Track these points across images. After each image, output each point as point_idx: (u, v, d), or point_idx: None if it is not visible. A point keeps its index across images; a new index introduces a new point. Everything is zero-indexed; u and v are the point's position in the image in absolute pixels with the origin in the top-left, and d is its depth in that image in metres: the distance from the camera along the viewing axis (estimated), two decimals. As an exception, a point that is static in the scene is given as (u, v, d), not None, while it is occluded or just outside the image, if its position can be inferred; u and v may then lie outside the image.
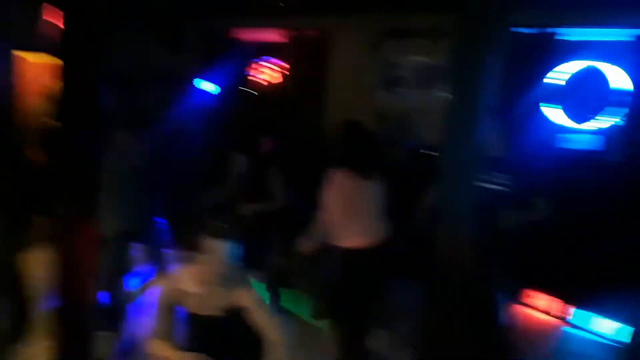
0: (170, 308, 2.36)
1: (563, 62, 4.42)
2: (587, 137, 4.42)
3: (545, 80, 4.47)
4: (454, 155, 2.47)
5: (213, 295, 2.30)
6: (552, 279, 4.24)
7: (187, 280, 2.33)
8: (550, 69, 4.44)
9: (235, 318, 2.31)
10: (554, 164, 4.22)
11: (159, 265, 4.55)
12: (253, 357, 2.35)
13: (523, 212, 3.16)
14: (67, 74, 2.89)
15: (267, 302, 4.15)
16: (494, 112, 3.33)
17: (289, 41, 5.73)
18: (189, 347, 2.40)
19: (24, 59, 5.34)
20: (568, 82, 4.38)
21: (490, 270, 3.10)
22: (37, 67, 5.28)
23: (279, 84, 5.98)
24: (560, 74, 4.41)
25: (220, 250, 2.20)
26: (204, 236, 2.22)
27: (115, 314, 3.82)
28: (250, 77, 6.12)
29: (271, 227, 4.05)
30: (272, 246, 4.12)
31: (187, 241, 2.29)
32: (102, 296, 3.80)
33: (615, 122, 4.27)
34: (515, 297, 4.31)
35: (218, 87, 5.94)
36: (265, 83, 6.08)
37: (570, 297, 4.15)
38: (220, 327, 2.36)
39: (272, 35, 5.90)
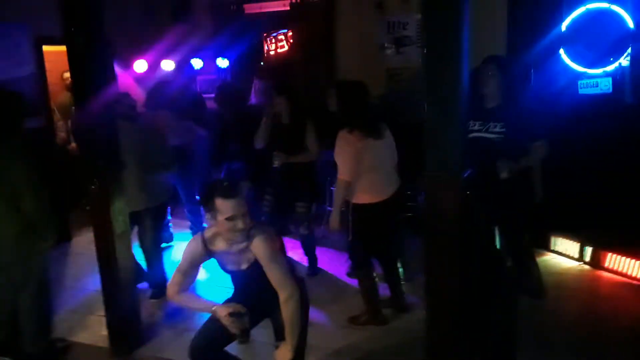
0: (195, 265, 2.61)
1: (569, 9, 4.41)
2: (596, 80, 4.44)
3: (554, 27, 4.48)
4: (439, 107, 2.60)
5: (236, 251, 2.51)
6: (573, 224, 4.38)
7: (212, 239, 2.54)
8: (555, 15, 4.45)
9: (259, 271, 2.49)
10: (566, 109, 4.29)
11: (197, 228, 4.91)
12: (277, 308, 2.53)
13: (514, 160, 3.22)
14: (72, 59, 3.16)
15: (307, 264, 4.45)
16: (497, 60, 3.45)
17: (295, 9, 5.86)
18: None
19: (52, 53, 5.62)
20: (570, 26, 4.39)
21: (490, 217, 3.20)
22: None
23: (289, 52, 6.14)
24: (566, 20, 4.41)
25: (231, 209, 2.35)
26: (217, 197, 2.36)
27: (158, 283, 4.19)
28: (260, 49, 6.29)
29: (303, 179, 4.20)
30: (303, 200, 4.25)
31: (207, 204, 2.43)
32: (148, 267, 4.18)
33: (621, 64, 4.28)
34: (537, 243, 4.50)
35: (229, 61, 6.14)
36: (275, 53, 6.25)
37: (592, 239, 4.30)
38: (246, 280, 2.58)
39: (277, 5, 6.03)
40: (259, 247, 2.46)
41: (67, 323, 3.79)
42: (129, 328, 3.49)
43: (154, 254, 4.15)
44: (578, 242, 4.38)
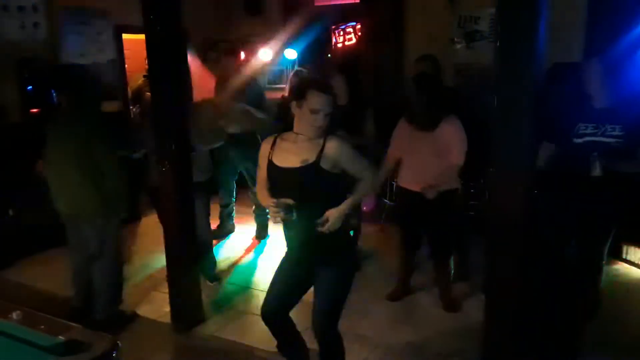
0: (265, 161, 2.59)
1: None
2: None
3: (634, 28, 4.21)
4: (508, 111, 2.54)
5: (300, 143, 2.50)
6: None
7: (283, 135, 2.57)
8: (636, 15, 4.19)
9: (310, 170, 2.46)
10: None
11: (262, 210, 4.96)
12: (325, 206, 2.50)
13: (630, 163, 2.90)
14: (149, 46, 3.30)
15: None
16: (599, 57, 3.12)
17: (365, 2, 5.87)
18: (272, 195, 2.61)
19: (132, 40, 5.90)
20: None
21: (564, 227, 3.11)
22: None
23: (357, 45, 6.13)
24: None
25: (319, 102, 2.43)
26: (310, 88, 2.45)
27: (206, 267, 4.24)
28: (329, 41, 6.32)
29: None
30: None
31: (298, 92, 2.50)
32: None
33: None
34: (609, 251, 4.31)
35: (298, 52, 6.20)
36: (343, 45, 6.25)
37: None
38: (294, 179, 2.50)
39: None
40: (336, 147, 2.48)
41: (133, 297, 3.98)
42: (189, 306, 3.63)
43: (201, 240, 3.95)
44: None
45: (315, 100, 2.43)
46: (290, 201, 2.43)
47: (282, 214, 2.43)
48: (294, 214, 2.43)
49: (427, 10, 5.47)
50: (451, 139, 3.49)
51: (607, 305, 3.47)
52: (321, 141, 2.49)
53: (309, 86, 2.47)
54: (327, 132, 2.52)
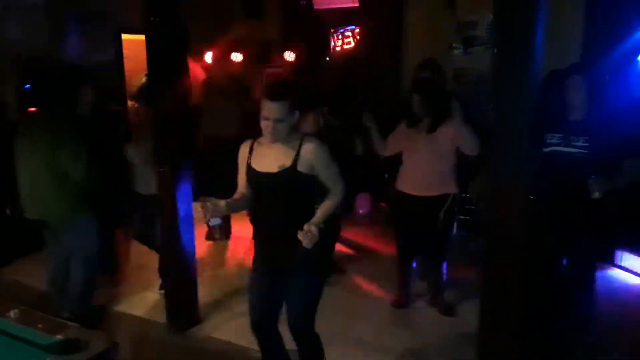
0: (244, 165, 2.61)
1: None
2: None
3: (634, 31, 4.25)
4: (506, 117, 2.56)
5: (275, 150, 2.50)
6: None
7: (260, 141, 2.57)
8: (635, 17, 4.23)
9: (288, 175, 2.47)
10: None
11: None
12: (302, 208, 2.54)
13: (607, 178, 2.84)
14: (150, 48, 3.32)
15: None
16: (576, 69, 3.20)
17: (364, 6, 5.88)
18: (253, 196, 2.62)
19: (131, 41, 5.91)
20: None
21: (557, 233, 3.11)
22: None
23: (355, 48, 6.16)
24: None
25: (266, 110, 2.42)
26: (264, 98, 2.44)
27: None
28: (328, 45, 6.35)
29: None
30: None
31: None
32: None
33: None
34: (605, 259, 4.31)
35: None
36: (342, 49, 6.28)
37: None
38: (272, 186, 2.53)
39: (346, 2, 6.06)
40: (312, 150, 2.47)
41: (129, 297, 4.00)
42: (185, 306, 3.64)
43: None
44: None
45: (264, 107, 2.44)
46: (221, 203, 2.46)
47: (202, 212, 2.47)
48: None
49: (425, 15, 5.51)
50: (455, 139, 3.47)
51: (603, 312, 3.48)
52: (297, 144, 2.49)
53: (264, 97, 2.47)
54: (303, 135, 2.52)
